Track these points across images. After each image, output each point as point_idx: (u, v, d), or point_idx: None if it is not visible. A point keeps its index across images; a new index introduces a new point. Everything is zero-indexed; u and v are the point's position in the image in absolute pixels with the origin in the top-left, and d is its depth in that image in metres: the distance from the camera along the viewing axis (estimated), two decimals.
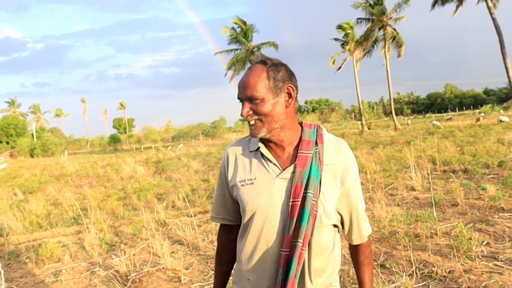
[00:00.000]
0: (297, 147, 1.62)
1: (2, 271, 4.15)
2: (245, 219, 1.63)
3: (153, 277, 5.07)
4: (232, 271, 1.83)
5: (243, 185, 1.62)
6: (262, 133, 1.57)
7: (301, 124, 1.68)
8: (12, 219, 8.51)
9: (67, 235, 7.62)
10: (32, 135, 68.35)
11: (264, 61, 1.59)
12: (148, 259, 5.64)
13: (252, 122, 1.57)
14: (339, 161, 1.61)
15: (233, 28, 42.33)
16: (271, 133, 1.58)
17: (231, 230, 1.82)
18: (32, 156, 56.98)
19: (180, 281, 4.85)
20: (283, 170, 1.58)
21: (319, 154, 1.59)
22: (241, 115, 1.57)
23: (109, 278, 5.18)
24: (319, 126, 1.68)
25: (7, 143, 63.66)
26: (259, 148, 1.64)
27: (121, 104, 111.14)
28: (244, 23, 42.10)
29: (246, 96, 1.56)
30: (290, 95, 1.60)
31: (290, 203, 1.53)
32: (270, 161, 1.61)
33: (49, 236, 7.50)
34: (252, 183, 1.61)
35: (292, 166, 1.57)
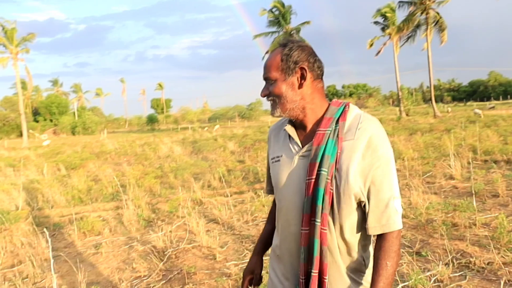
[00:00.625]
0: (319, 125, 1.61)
1: (50, 239, 4.36)
2: (275, 195, 1.73)
3: (188, 254, 5.20)
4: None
5: (273, 162, 1.70)
6: (277, 113, 1.62)
7: (328, 104, 1.65)
8: (56, 193, 8.87)
9: (106, 210, 7.88)
10: (74, 113, 70.34)
11: (283, 44, 1.61)
12: (184, 236, 5.78)
13: (270, 102, 1.64)
14: (361, 136, 1.50)
15: (271, 10, 41.97)
16: (286, 113, 1.60)
17: None
18: (73, 134, 58.90)
19: (215, 259, 4.96)
20: (303, 148, 1.60)
21: (338, 131, 1.53)
22: (260, 95, 1.65)
23: (147, 252, 5.35)
24: (347, 104, 1.63)
25: (51, 121, 65.96)
26: (285, 127, 1.69)
27: (159, 85, 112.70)
28: (283, 5, 41.65)
29: (263, 77, 1.63)
30: (303, 76, 1.58)
31: (307, 181, 1.52)
32: (293, 139, 1.64)
33: (90, 210, 7.79)
34: (279, 160, 1.66)
35: (310, 143, 1.57)
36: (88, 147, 25.14)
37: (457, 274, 4.04)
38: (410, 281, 3.87)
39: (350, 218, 1.52)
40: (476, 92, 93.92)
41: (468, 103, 76.10)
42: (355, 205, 1.50)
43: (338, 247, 1.55)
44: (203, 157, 15.51)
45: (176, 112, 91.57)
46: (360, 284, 1.60)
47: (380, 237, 1.52)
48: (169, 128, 62.43)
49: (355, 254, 1.58)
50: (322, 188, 1.48)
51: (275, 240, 1.75)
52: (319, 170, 1.49)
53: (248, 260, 1.81)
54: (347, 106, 1.61)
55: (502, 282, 3.76)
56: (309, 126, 1.62)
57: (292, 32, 41.51)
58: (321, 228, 1.49)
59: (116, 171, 12.58)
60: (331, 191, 1.49)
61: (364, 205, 1.52)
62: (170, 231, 5.95)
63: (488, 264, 4.16)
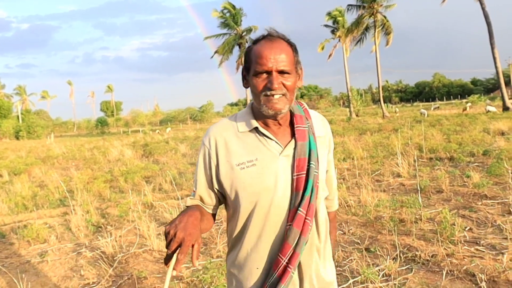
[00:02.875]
0: (291, 123, 1.63)
1: None
2: (248, 205, 1.54)
3: (139, 258, 5.08)
4: (228, 262, 1.71)
5: (243, 167, 1.54)
6: (285, 109, 1.54)
7: None
8: None
9: (53, 216, 7.58)
10: (18, 117, 67.37)
11: (285, 38, 1.58)
12: (134, 240, 5.65)
13: (278, 96, 1.51)
14: (326, 133, 1.72)
15: (222, 12, 41.98)
16: (287, 109, 1.57)
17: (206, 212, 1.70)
18: (17, 138, 56.26)
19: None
20: (285, 147, 1.57)
21: (311, 128, 1.64)
22: (272, 88, 1.49)
23: (96, 259, 5.18)
24: (300, 102, 1.72)
25: None
26: (256, 127, 1.59)
27: (109, 87, 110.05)
28: (233, 7, 41.78)
29: (279, 68, 1.50)
30: (299, 76, 1.63)
31: (295, 177, 1.53)
32: (271, 140, 1.57)
33: (35, 217, 7.46)
34: (254, 164, 1.54)
35: (293, 141, 1.57)
36: (33, 152, 24.13)
37: (404, 268, 4.17)
38: (360, 277, 3.97)
39: (323, 206, 1.70)
40: (422, 93, 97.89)
41: (415, 103, 79.11)
42: (326, 193, 1.73)
43: (318, 235, 1.63)
44: (154, 160, 15.25)
45: (126, 115, 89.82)
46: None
47: (332, 214, 1.87)
48: (119, 131, 61.01)
49: (326, 239, 1.70)
50: (312, 179, 1.53)
51: (251, 255, 1.57)
52: (308, 164, 1.54)
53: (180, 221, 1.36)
54: (302, 104, 1.71)
55: (444, 273, 3.92)
56: (282, 124, 1.61)
57: (243, 34, 41.66)
58: (305, 218, 1.50)
59: (63, 176, 12.15)
60: (318, 184, 1.57)
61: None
62: (120, 236, 5.80)
63: (432, 256, 4.32)
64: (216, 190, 1.66)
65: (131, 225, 6.38)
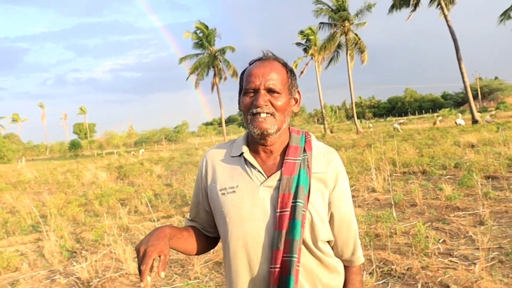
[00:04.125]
0: (283, 154, 1.51)
1: None
2: (226, 233, 1.48)
3: (115, 283, 4.99)
4: None
5: (224, 193, 1.49)
6: (273, 129, 1.44)
7: (289, 130, 1.58)
8: None
9: (25, 243, 7.39)
10: None
11: (281, 60, 1.53)
12: (110, 265, 5.55)
13: (264, 115, 1.43)
14: (329, 170, 1.49)
15: (195, 32, 42.19)
16: (278, 132, 1.47)
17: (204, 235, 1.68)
18: None
19: (141, 286, 4.79)
20: (268, 177, 1.46)
21: (307, 161, 1.47)
22: (257, 104, 1.42)
23: (71, 285, 5.07)
24: (307, 133, 1.58)
25: None
26: (242, 153, 1.52)
27: (81, 109, 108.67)
28: (206, 27, 42.07)
29: (267, 86, 1.44)
30: (296, 101, 1.57)
31: (278, 214, 1.39)
32: (254, 168, 1.48)
33: (5, 245, 7.26)
34: (234, 191, 1.47)
35: (278, 173, 1.45)
36: (3, 176, 23.52)
37: (380, 282, 4.21)
38: None
39: (324, 250, 1.47)
40: (394, 108, 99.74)
41: (388, 118, 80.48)
42: (326, 237, 1.47)
43: (315, 282, 1.46)
44: (129, 182, 15.07)
45: (100, 137, 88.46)
46: None
47: (348, 270, 1.56)
48: (93, 153, 60.04)
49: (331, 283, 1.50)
50: (299, 220, 1.37)
51: None
52: (294, 201, 1.39)
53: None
54: (308, 135, 1.57)
55: (419, 286, 3.99)
56: (274, 154, 1.51)
57: (216, 54, 41.90)
58: (296, 265, 1.37)
59: (36, 201, 11.88)
60: (304, 224, 1.40)
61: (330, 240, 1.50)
62: (96, 261, 5.69)
63: (408, 269, 4.39)
64: (208, 213, 1.61)
65: (106, 249, 6.27)
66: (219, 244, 1.64)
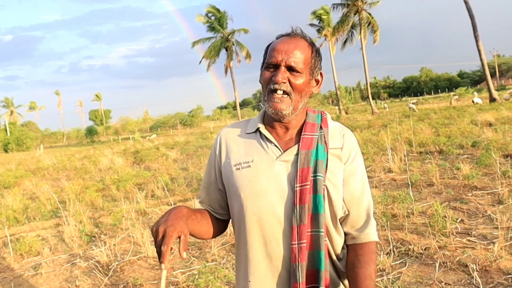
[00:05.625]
0: (300, 130, 1.50)
1: None
2: (240, 209, 1.46)
3: (134, 266, 5.07)
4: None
5: (239, 168, 1.47)
6: (288, 111, 1.42)
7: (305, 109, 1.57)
8: None
9: (45, 228, 7.53)
10: (5, 129, 66.72)
11: (308, 39, 1.49)
12: (129, 248, 5.63)
13: (280, 93, 1.41)
14: (345, 147, 1.48)
15: (207, 15, 41.97)
16: (294, 113, 1.45)
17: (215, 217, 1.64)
18: (6, 151, 55.69)
19: (161, 269, 4.86)
20: (284, 151, 1.45)
21: (324, 137, 1.47)
22: (275, 80, 1.40)
23: (90, 268, 5.16)
24: (323, 112, 1.57)
25: None
26: (258, 128, 1.51)
27: (97, 96, 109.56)
28: (218, 10, 41.81)
29: (288, 63, 1.40)
30: (318, 82, 1.53)
31: (298, 188, 1.37)
32: (270, 142, 1.47)
33: (27, 230, 7.40)
34: (249, 166, 1.45)
35: (295, 147, 1.44)
36: (23, 164, 23.92)
37: (397, 262, 4.20)
38: None
39: (338, 227, 1.46)
40: (410, 88, 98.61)
41: (403, 98, 79.62)
42: (341, 213, 1.45)
43: (331, 259, 1.44)
44: (145, 167, 15.20)
45: (116, 123, 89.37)
46: None
47: (360, 247, 1.46)
48: (109, 139, 60.69)
49: (341, 266, 1.47)
50: (321, 194, 1.36)
51: (248, 271, 1.45)
52: (314, 175, 1.38)
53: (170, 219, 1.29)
54: (324, 114, 1.56)
55: (437, 265, 3.97)
56: (290, 131, 1.50)
57: (229, 37, 41.69)
58: (324, 239, 1.36)
59: (54, 187, 12.07)
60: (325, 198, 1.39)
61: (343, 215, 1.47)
62: (114, 245, 5.78)
63: (425, 249, 4.37)
64: (221, 192, 1.58)
65: (124, 233, 6.36)
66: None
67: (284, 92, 1.41)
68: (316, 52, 1.49)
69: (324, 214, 1.36)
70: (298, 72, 1.41)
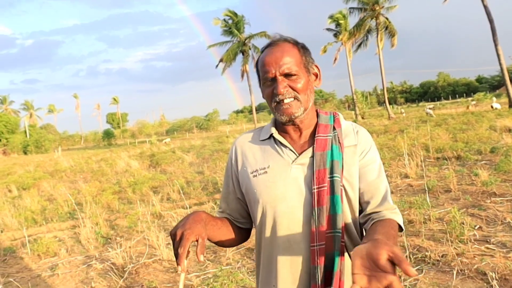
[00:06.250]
0: (313, 132, 1.50)
1: None
2: (260, 215, 1.47)
3: (149, 268, 5.10)
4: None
5: (255, 175, 1.48)
6: (299, 112, 1.43)
7: (316, 111, 1.57)
8: (7, 216, 8.50)
9: (62, 229, 7.62)
10: (25, 132, 67.81)
11: (290, 39, 1.49)
12: (144, 251, 5.67)
13: (288, 100, 1.42)
14: (360, 142, 1.49)
15: (224, 20, 42.15)
16: (305, 113, 1.45)
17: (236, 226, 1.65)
18: (25, 153, 56.65)
19: (177, 271, 4.88)
20: (299, 155, 1.45)
21: (338, 137, 1.47)
22: (278, 93, 1.41)
23: (106, 270, 5.20)
24: (335, 113, 1.57)
25: None
26: (272, 134, 1.52)
27: (114, 99, 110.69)
28: (235, 14, 41.93)
29: (282, 72, 1.41)
30: (316, 75, 1.54)
31: (315, 190, 1.37)
32: (285, 146, 1.48)
33: (44, 231, 7.51)
34: (266, 172, 1.46)
35: (310, 150, 1.44)
36: (41, 166, 24.29)
37: (414, 269, 4.14)
38: None
39: (356, 225, 1.45)
40: (427, 93, 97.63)
41: (420, 103, 78.76)
42: (357, 211, 1.45)
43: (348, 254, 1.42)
44: (161, 170, 15.30)
45: (132, 126, 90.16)
46: None
47: (378, 223, 1.34)
48: (126, 142, 61.26)
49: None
50: (338, 195, 1.36)
51: (269, 274, 1.46)
52: (331, 176, 1.38)
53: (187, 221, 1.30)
54: (336, 114, 1.56)
55: (455, 273, 3.90)
56: (303, 132, 1.50)
57: (245, 41, 41.80)
58: (341, 240, 1.35)
59: (71, 189, 12.21)
60: (343, 199, 1.39)
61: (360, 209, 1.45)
62: (130, 247, 5.82)
63: (442, 256, 4.30)
64: (240, 202, 1.59)
65: (140, 235, 6.40)
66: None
67: (290, 98, 1.43)
68: (303, 49, 1.49)
69: (342, 214, 1.36)
70: (295, 75, 1.43)
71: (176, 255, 1.23)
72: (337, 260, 1.34)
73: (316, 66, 1.54)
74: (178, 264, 1.21)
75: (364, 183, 1.44)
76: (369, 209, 1.42)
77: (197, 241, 1.26)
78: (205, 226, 1.33)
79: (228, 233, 1.56)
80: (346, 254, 1.38)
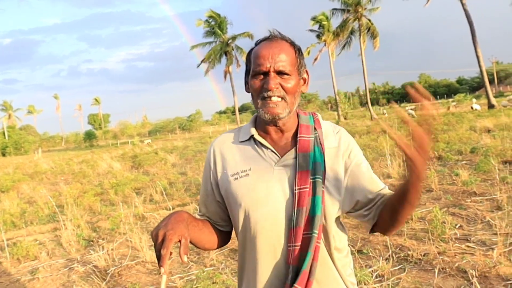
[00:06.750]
0: (295, 133, 1.49)
1: None
2: (242, 219, 1.44)
3: (132, 271, 5.05)
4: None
5: (236, 178, 1.45)
6: (284, 114, 1.41)
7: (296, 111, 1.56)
8: None
9: (43, 232, 7.50)
10: (3, 133, 66.62)
11: (288, 39, 1.48)
12: (127, 253, 5.61)
13: (275, 99, 1.40)
14: (341, 144, 1.48)
15: (207, 21, 42.08)
16: (289, 115, 1.44)
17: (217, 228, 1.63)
18: (4, 155, 55.65)
19: (159, 273, 4.83)
20: (282, 156, 1.43)
21: (319, 139, 1.47)
22: (268, 88, 1.38)
23: (88, 273, 5.13)
24: (314, 113, 1.57)
25: None
26: (252, 135, 1.49)
27: (96, 100, 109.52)
28: (218, 15, 41.92)
29: (276, 68, 1.39)
30: (305, 81, 1.53)
31: (297, 191, 1.37)
32: (266, 148, 1.45)
33: (24, 234, 7.38)
34: (247, 174, 1.44)
35: (293, 151, 1.43)
36: (21, 168, 23.89)
37: (396, 268, 4.18)
38: None
39: (338, 226, 1.46)
40: (409, 94, 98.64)
41: (402, 104, 79.62)
42: (339, 213, 1.45)
43: (331, 259, 1.43)
44: (144, 172, 15.18)
45: (115, 127, 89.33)
46: None
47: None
48: (108, 143, 60.63)
49: (342, 265, 1.47)
50: (319, 196, 1.36)
51: (251, 273, 1.45)
52: (313, 178, 1.38)
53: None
54: (315, 115, 1.56)
55: (436, 271, 3.95)
56: (285, 134, 1.49)
57: (229, 42, 41.77)
58: (316, 241, 1.34)
59: (52, 191, 12.03)
60: (324, 200, 1.39)
61: (361, 207, 1.46)
62: (112, 249, 5.75)
63: (424, 255, 4.35)
64: (219, 204, 1.56)
65: (122, 237, 6.33)
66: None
67: (278, 97, 1.40)
68: (299, 51, 1.48)
69: (321, 215, 1.35)
70: (288, 74, 1.41)
71: (159, 256, 1.20)
72: (308, 259, 1.32)
73: (307, 72, 1.53)
74: (160, 266, 1.18)
75: (360, 182, 1.45)
76: (374, 198, 1.44)
77: (180, 241, 1.24)
78: (187, 226, 1.31)
79: (209, 235, 1.54)
80: (321, 255, 1.38)
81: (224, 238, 1.63)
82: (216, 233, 1.58)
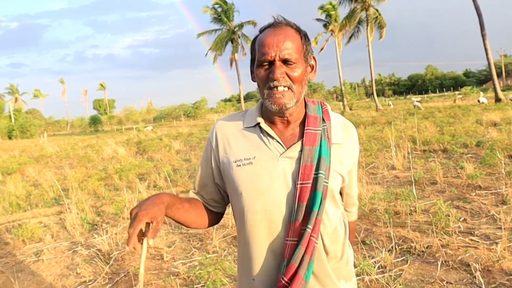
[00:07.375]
0: (302, 124, 1.46)
1: None
2: (242, 207, 1.42)
3: (135, 255, 5.07)
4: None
5: (240, 165, 1.42)
6: (291, 104, 1.37)
7: (304, 100, 1.51)
8: None
9: (48, 215, 7.55)
10: (10, 116, 66.86)
11: (293, 24, 1.42)
12: None
13: (281, 89, 1.36)
14: (347, 141, 1.49)
15: (213, 7, 41.85)
16: (296, 104, 1.40)
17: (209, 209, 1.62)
18: (10, 138, 55.87)
19: (163, 258, 4.88)
20: (288, 148, 1.40)
21: (327, 132, 1.44)
22: (274, 78, 1.34)
23: (91, 256, 5.17)
24: (323, 103, 1.53)
25: None
26: (258, 123, 1.46)
27: (101, 85, 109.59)
28: (225, 2, 41.68)
29: (282, 57, 1.34)
30: (312, 67, 1.48)
31: (298, 186, 1.35)
32: (272, 138, 1.42)
33: (29, 216, 7.42)
34: (251, 163, 1.41)
35: (299, 144, 1.40)
36: (26, 151, 23.99)
37: (399, 259, 4.19)
38: (356, 269, 3.98)
39: (336, 217, 1.47)
40: (415, 86, 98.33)
41: (408, 96, 79.32)
42: (340, 206, 1.52)
43: (326, 253, 1.43)
44: (148, 157, 15.21)
45: (120, 113, 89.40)
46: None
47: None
48: (113, 129, 60.74)
49: (340, 257, 1.49)
50: (320, 192, 1.34)
51: (248, 263, 1.45)
52: (316, 173, 1.36)
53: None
54: (324, 105, 1.52)
55: (439, 263, 3.95)
56: (292, 125, 1.46)
57: (235, 29, 41.57)
58: (310, 235, 1.33)
59: (57, 175, 12.09)
60: (326, 197, 1.38)
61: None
62: (116, 233, 5.78)
63: (427, 247, 4.35)
64: (217, 186, 1.56)
65: (126, 222, 6.37)
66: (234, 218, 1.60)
67: (285, 87, 1.37)
68: (305, 37, 1.43)
69: (318, 211, 1.34)
70: (294, 63, 1.37)
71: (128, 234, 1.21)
72: (297, 252, 1.32)
73: (314, 58, 1.48)
74: (127, 244, 1.20)
75: (348, 185, 1.58)
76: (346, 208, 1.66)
77: (151, 223, 1.24)
78: (163, 209, 1.31)
79: (196, 216, 1.53)
80: (318, 250, 1.38)
81: (214, 218, 1.63)
82: (206, 214, 1.58)
